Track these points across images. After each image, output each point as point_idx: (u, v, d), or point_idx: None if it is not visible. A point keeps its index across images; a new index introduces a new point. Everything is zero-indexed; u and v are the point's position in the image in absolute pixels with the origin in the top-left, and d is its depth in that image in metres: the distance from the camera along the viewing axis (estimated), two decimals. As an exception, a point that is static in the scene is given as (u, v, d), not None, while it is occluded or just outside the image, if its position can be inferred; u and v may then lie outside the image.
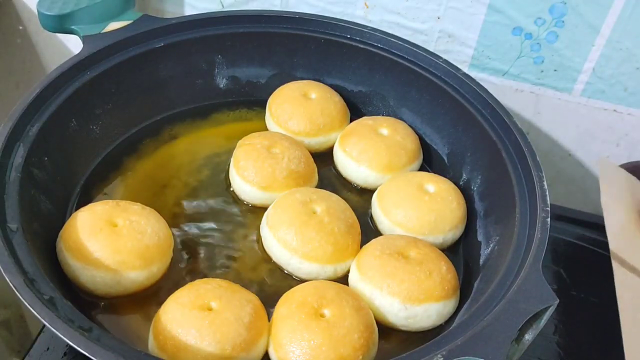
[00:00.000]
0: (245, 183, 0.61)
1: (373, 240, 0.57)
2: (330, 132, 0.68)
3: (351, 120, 0.70)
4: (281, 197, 0.59)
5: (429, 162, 0.68)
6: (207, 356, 0.45)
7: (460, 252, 0.61)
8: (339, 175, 0.67)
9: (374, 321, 0.51)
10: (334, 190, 0.63)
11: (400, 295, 0.51)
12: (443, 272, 0.53)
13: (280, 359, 0.47)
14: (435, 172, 0.67)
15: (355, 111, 0.72)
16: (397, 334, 0.53)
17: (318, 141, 0.68)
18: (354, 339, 0.47)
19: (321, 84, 0.71)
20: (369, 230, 0.61)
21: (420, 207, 0.59)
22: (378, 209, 0.61)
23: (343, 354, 0.46)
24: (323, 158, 0.68)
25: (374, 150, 0.64)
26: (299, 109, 0.67)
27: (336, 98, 0.70)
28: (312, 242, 0.54)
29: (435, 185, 0.61)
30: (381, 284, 0.52)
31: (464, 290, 0.56)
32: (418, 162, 0.67)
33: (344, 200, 0.60)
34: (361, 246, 0.57)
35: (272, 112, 0.69)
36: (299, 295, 0.50)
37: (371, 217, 0.62)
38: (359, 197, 0.65)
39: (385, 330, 0.52)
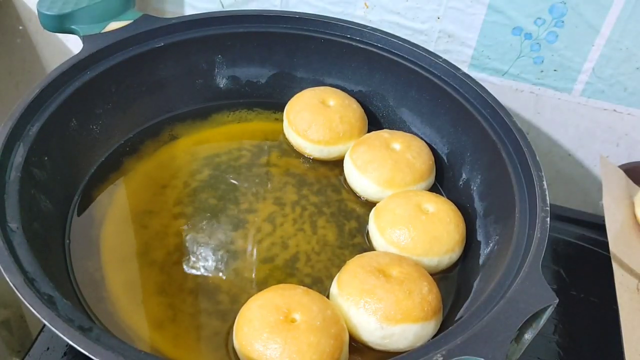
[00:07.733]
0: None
1: (357, 256, 0.55)
2: (350, 140, 0.67)
3: (369, 129, 0.69)
4: None
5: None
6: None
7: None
8: (348, 186, 0.66)
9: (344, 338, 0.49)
10: (339, 199, 0.63)
11: (376, 313, 0.50)
12: (424, 292, 0.51)
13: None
14: (435, 172, 0.67)
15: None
16: (374, 352, 0.51)
17: (338, 149, 0.67)
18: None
19: (339, 90, 0.70)
20: (365, 247, 0.59)
21: (415, 227, 0.57)
22: (374, 226, 0.59)
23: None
24: (340, 166, 0.67)
25: (378, 163, 0.63)
26: (318, 117, 0.66)
27: (354, 105, 0.69)
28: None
29: (435, 206, 0.59)
30: (358, 301, 0.50)
31: (463, 290, 0.56)
32: (425, 183, 0.64)
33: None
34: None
35: (291, 120, 0.68)
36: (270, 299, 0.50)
37: (367, 234, 0.61)
38: (363, 211, 0.63)
39: (362, 347, 0.51)
